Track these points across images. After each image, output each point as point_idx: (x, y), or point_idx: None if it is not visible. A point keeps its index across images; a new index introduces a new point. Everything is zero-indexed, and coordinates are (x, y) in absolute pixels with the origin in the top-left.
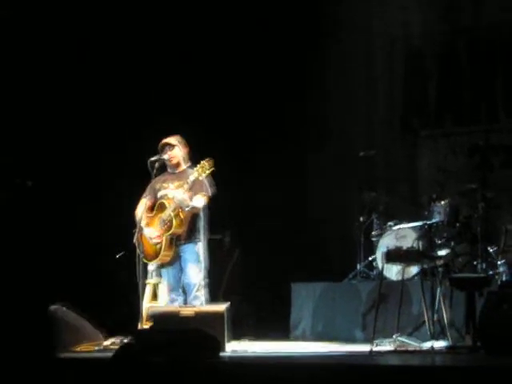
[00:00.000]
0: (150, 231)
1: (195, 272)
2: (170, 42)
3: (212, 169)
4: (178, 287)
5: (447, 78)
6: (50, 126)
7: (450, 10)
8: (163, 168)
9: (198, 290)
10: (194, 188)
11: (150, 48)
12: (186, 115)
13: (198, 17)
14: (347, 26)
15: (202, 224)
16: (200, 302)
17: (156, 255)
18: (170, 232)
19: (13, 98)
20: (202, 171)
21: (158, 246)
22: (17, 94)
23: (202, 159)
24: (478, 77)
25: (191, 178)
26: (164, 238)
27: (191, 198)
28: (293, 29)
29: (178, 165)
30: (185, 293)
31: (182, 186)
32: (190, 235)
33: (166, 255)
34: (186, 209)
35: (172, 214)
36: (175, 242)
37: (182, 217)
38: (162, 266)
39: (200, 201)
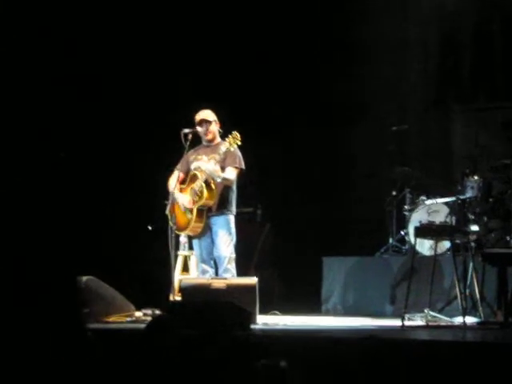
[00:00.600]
0: (184, 198)
1: (226, 244)
2: (219, 16)
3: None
4: (209, 259)
5: (481, 52)
6: (84, 96)
7: None
8: (195, 140)
9: (228, 262)
10: (226, 160)
11: (191, 23)
12: (222, 89)
13: None
14: (382, 5)
15: (234, 197)
16: (231, 275)
17: (187, 226)
18: (201, 202)
19: (46, 69)
20: (233, 142)
21: (190, 217)
22: (50, 67)
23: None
24: None
25: (223, 148)
26: (195, 208)
27: (223, 170)
28: (328, 8)
29: (213, 139)
30: (216, 265)
31: (214, 157)
32: (222, 207)
33: (197, 226)
34: (218, 180)
35: (203, 185)
36: (206, 213)
37: (213, 188)
38: (193, 237)
39: (232, 173)
